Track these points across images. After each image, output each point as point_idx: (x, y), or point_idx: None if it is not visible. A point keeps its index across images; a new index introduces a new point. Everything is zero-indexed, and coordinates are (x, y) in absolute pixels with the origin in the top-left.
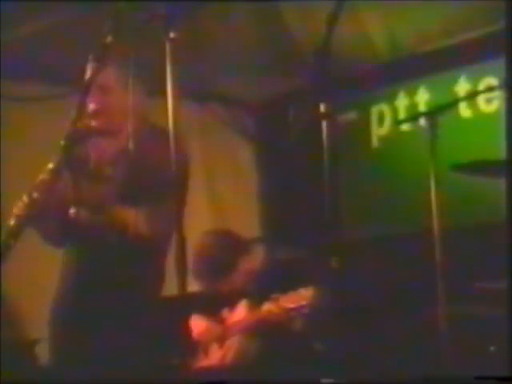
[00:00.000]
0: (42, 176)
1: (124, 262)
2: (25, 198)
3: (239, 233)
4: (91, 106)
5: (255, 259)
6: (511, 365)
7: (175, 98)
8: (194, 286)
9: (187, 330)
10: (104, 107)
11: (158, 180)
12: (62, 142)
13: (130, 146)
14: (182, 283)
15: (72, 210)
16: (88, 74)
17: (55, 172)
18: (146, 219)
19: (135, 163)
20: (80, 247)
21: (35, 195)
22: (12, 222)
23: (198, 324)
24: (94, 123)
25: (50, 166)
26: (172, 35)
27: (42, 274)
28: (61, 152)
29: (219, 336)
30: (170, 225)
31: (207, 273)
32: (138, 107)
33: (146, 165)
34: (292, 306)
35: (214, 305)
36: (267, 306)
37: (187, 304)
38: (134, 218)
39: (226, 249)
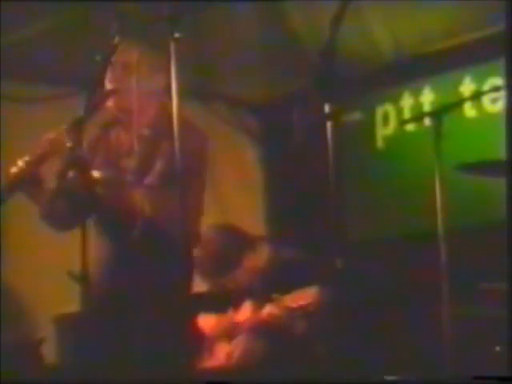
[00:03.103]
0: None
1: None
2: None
3: (244, 230)
4: (111, 85)
5: (260, 257)
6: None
7: (179, 97)
8: (198, 283)
9: (193, 329)
10: (124, 86)
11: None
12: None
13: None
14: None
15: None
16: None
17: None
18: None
19: (152, 149)
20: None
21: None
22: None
23: (206, 320)
24: (111, 103)
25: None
26: (176, 35)
27: (45, 272)
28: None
29: (228, 331)
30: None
31: (211, 268)
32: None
33: (163, 151)
34: (296, 305)
35: (218, 304)
36: (271, 306)
37: (193, 303)
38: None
39: (230, 244)
